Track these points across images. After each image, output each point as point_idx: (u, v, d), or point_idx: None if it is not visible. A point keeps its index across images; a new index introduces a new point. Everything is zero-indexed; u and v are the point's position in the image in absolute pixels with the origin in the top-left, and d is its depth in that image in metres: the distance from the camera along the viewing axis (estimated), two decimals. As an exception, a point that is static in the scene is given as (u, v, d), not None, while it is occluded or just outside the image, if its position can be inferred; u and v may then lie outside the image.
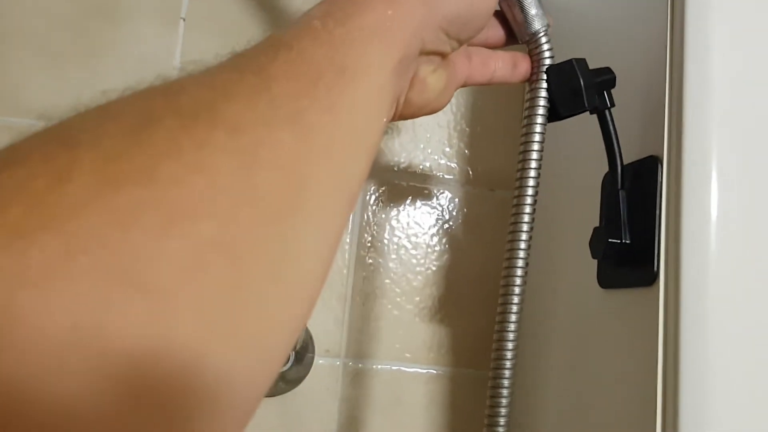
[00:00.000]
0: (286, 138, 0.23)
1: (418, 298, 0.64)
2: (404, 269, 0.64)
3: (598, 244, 0.44)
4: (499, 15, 0.41)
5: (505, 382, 0.43)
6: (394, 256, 0.65)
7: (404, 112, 0.35)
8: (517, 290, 0.42)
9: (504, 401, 0.43)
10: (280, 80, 0.24)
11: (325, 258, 0.25)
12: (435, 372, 0.64)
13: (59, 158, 0.19)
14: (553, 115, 0.43)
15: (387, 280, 0.64)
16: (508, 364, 0.43)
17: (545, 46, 0.42)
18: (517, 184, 0.42)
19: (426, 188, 0.66)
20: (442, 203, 0.66)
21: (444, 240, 0.66)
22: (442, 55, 0.35)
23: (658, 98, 0.44)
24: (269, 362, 0.22)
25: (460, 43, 0.35)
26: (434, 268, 0.65)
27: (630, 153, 0.46)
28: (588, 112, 0.44)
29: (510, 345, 0.42)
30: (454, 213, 0.66)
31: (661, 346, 0.41)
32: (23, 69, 0.60)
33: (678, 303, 0.40)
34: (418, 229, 0.65)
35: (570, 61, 0.42)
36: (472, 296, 0.65)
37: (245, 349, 0.21)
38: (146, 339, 0.18)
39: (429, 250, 0.65)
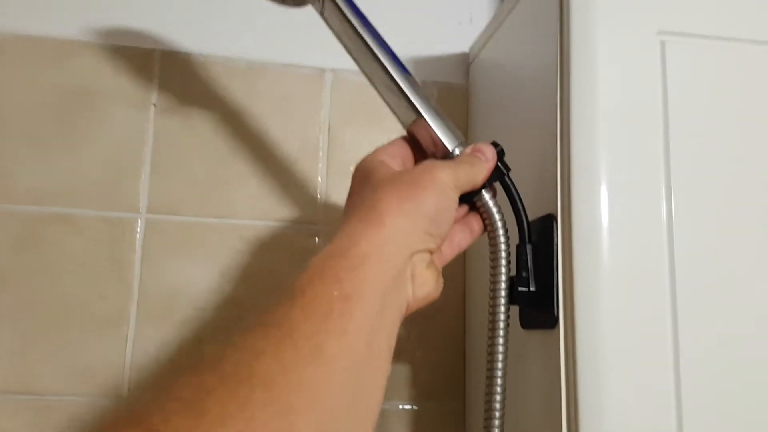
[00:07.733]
0: (309, 374, 0.30)
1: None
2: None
3: (511, 292, 0.51)
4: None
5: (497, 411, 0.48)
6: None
7: (412, 306, 0.40)
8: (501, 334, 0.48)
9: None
10: (300, 325, 0.32)
11: None
12: (406, 407, 0.70)
13: None
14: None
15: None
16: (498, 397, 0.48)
17: (490, 204, 0.48)
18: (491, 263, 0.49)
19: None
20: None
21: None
22: (431, 252, 0.41)
23: (552, 161, 0.50)
24: None
25: (441, 238, 0.42)
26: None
27: (536, 211, 0.52)
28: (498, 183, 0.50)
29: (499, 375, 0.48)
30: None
31: (564, 384, 0.46)
32: (13, 156, 0.68)
33: (575, 346, 0.46)
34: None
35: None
36: (435, 336, 0.72)
37: None
38: None
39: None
